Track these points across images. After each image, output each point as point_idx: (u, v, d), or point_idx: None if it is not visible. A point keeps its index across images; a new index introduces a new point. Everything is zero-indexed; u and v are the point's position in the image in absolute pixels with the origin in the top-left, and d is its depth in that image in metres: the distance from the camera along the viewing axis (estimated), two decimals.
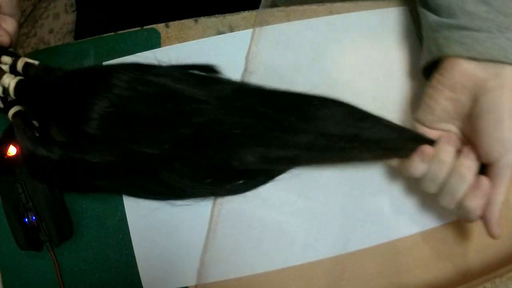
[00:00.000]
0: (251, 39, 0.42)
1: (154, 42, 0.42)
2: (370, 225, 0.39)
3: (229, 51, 0.41)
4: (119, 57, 0.42)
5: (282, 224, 0.39)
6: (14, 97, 0.36)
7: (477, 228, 0.38)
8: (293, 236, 0.39)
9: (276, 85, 0.37)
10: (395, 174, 0.39)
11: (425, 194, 0.36)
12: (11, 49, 0.38)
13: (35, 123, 0.37)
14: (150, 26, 0.43)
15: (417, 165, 0.34)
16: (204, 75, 0.38)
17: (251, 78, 0.40)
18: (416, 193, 0.39)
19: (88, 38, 0.43)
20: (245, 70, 0.41)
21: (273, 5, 0.42)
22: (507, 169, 0.32)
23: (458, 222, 0.39)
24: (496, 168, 0.32)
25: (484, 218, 0.33)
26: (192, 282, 0.38)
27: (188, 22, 0.42)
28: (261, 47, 0.41)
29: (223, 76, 0.39)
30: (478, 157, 0.33)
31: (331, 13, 0.42)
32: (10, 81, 0.35)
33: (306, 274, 0.38)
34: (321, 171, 0.39)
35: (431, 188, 0.34)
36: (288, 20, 0.42)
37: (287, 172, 0.39)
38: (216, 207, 0.39)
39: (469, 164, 0.32)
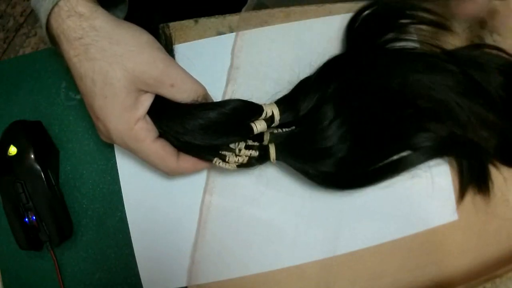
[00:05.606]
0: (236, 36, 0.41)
1: None
2: (360, 227, 0.38)
3: (229, 51, 0.41)
4: None
5: (271, 223, 0.39)
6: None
7: (477, 228, 0.38)
8: (282, 236, 0.38)
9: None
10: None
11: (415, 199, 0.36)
12: None
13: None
14: None
15: None
16: None
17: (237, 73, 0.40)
18: (406, 196, 0.39)
19: None
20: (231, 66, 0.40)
21: (260, 4, 0.42)
22: None
23: (455, 224, 0.39)
24: None
25: None
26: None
27: (188, 22, 0.42)
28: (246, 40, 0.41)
29: None
30: None
31: (331, 13, 0.42)
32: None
33: (297, 274, 0.38)
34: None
35: None
36: (289, 20, 0.42)
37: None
38: (204, 206, 0.39)
39: None
